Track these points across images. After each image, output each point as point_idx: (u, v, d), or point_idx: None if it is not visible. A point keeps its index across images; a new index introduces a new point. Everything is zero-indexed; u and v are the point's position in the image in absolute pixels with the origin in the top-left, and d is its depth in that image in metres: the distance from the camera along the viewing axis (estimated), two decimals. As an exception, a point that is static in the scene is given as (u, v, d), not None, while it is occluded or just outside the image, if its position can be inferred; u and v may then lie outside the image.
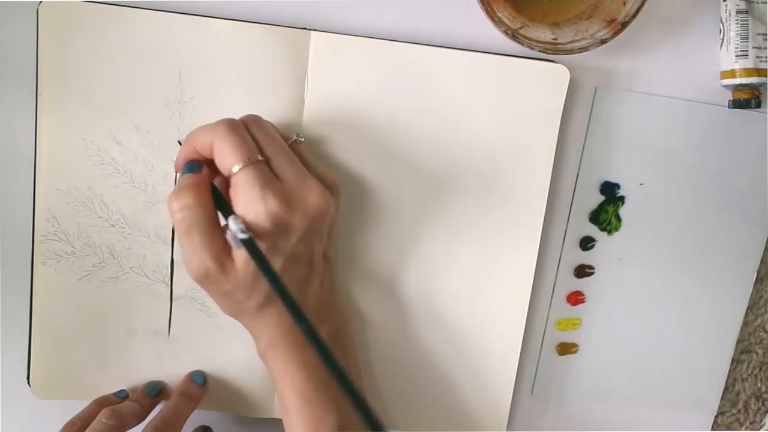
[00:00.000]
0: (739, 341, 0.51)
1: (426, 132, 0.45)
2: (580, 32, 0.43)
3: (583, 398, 0.51)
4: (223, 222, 0.37)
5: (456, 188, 0.46)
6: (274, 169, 0.38)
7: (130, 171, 0.44)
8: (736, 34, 0.45)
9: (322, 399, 0.39)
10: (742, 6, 0.45)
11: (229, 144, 0.36)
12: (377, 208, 0.45)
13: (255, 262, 0.35)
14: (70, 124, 0.43)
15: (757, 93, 0.46)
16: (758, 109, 0.46)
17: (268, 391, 0.47)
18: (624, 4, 0.42)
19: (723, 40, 0.46)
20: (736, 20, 0.45)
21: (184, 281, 0.45)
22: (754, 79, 0.45)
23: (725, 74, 0.46)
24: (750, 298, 0.51)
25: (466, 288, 0.47)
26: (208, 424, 0.48)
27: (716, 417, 0.52)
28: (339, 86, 0.44)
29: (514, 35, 0.42)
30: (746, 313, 0.51)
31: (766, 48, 0.45)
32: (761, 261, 0.50)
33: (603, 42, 0.42)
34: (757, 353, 0.52)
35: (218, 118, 0.38)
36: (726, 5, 0.45)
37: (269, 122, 0.40)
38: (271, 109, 0.43)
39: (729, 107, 0.47)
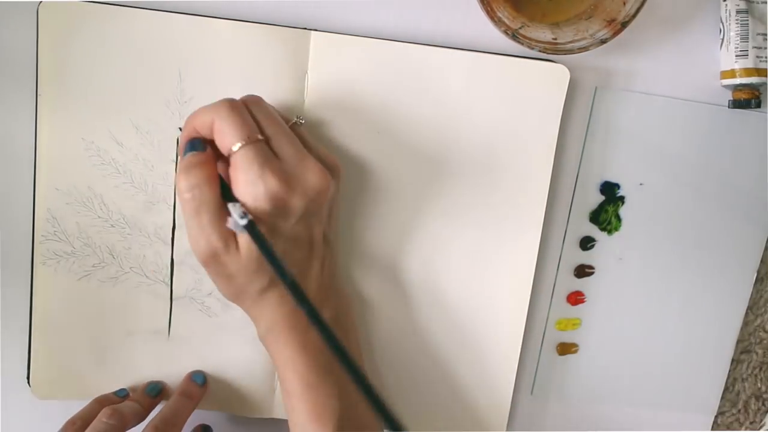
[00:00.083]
0: (739, 341, 0.51)
1: (426, 132, 0.45)
2: (580, 32, 0.43)
3: (583, 398, 0.51)
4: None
5: (456, 188, 0.46)
6: (274, 149, 0.37)
7: (130, 171, 0.44)
8: (736, 34, 0.45)
9: (324, 384, 0.39)
10: (742, 6, 0.45)
11: (230, 123, 0.36)
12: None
13: (257, 245, 0.35)
14: (70, 124, 0.43)
15: (757, 93, 0.46)
16: (758, 109, 0.46)
17: (268, 391, 0.47)
18: (624, 4, 0.42)
19: (723, 40, 0.46)
20: (736, 20, 0.45)
21: (184, 281, 0.45)
22: (754, 79, 0.45)
23: (725, 74, 0.46)
24: (750, 298, 0.51)
25: (466, 289, 0.47)
26: (208, 424, 0.48)
27: (716, 417, 0.52)
28: (339, 86, 0.44)
29: (514, 35, 0.42)
30: (746, 313, 0.51)
31: (766, 48, 0.45)
32: (761, 261, 0.50)
33: (603, 42, 0.42)
34: (757, 353, 0.52)
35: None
36: (726, 5, 0.45)
37: (270, 104, 0.40)
38: (271, 109, 0.43)
39: (729, 107, 0.47)
